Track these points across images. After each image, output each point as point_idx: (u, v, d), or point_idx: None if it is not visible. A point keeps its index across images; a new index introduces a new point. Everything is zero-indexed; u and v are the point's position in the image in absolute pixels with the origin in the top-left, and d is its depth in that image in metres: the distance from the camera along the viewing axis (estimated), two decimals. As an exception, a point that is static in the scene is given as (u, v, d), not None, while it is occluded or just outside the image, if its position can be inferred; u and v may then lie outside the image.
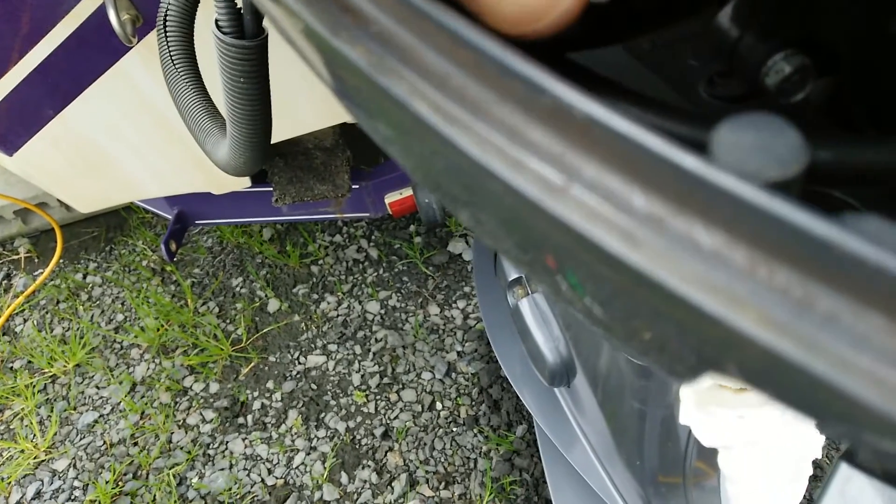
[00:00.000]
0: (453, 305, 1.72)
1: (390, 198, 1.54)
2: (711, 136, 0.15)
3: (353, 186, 1.49)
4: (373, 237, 1.89)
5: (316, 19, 0.19)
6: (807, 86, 0.27)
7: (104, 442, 1.59)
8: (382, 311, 1.74)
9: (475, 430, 1.49)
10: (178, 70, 0.73)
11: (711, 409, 0.57)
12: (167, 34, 0.72)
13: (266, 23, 0.59)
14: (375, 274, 1.82)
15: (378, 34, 0.18)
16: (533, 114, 0.15)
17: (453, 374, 1.59)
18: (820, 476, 1.29)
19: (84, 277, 1.95)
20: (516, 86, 0.16)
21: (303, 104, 1.19)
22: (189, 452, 1.54)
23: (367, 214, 1.61)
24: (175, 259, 1.59)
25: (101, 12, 0.99)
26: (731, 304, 0.13)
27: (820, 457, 0.61)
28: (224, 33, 0.57)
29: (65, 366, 1.74)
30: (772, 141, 0.14)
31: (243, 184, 1.43)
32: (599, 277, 0.17)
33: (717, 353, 0.14)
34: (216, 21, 0.57)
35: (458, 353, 1.63)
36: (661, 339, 0.17)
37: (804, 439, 0.59)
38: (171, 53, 0.72)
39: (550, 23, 0.19)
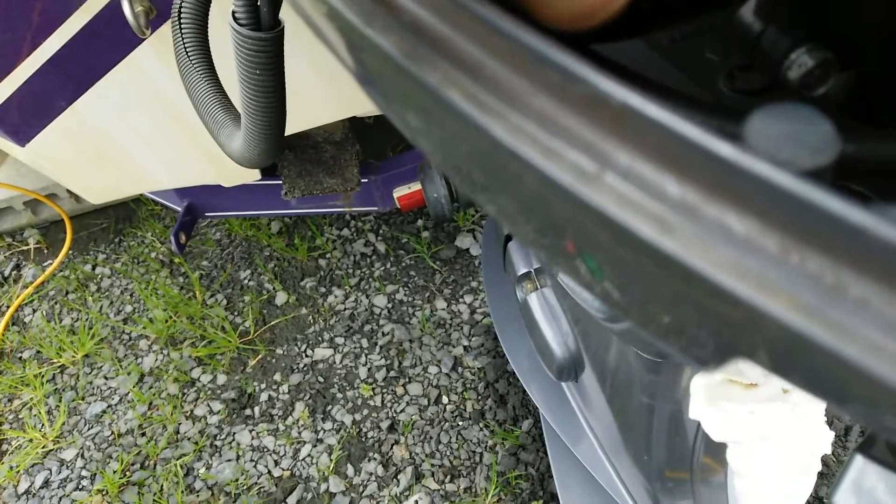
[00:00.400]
0: (460, 300, 1.73)
1: (399, 192, 1.54)
2: (745, 125, 0.15)
3: (362, 180, 1.49)
4: (381, 231, 1.90)
5: (348, 7, 0.19)
6: (829, 80, 0.27)
7: (112, 432, 1.60)
8: (389, 305, 1.74)
9: (481, 425, 1.49)
10: (193, 62, 0.74)
11: (722, 404, 0.57)
12: (182, 26, 0.72)
13: (283, 14, 0.59)
14: (383, 268, 1.82)
15: (411, 23, 0.18)
16: (567, 102, 0.16)
17: (459, 369, 1.60)
18: (826, 473, 1.29)
19: (93, 268, 1.96)
20: (550, 74, 0.16)
21: (313, 98, 1.19)
22: (196, 443, 1.55)
23: (376, 208, 1.61)
24: (184, 251, 1.59)
25: (114, 4, 1.00)
26: (763, 290, 0.13)
27: (828, 452, 0.61)
28: (241, 25, 0.58)
29: (73, 356, 1.75)
30: (804, 130, 0.15)
31: (253, 176, 1.44)
32: (620, 262, 0.17)
33: (748, 339, 0.15)
34: (233, 13, 0.58)
35: (465, 347, 1.63)
36: (680, 323, 0.18)
37: (813, 435, 0.59)
38: (186, 45, 0.73)
39: (603, 18, 0.19)
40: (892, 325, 0.13)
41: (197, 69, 0.74)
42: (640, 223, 0.14)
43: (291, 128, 1.26)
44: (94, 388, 1.69)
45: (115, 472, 1.52)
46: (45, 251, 2.04)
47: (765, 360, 0.15)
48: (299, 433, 1.54)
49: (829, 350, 0.13)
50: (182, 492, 1.47)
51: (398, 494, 1.41)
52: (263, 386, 1.63)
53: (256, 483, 1.47)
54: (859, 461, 0.39)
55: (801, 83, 0.27)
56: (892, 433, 0.14)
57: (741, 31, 0.29)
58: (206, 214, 1.65)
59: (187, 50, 0.73)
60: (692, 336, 0.17)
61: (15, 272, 2.00)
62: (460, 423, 1.51)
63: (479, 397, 1.54)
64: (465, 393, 1.55)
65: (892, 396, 0.13)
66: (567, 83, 0.16)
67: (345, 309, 1.75)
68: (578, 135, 0.15)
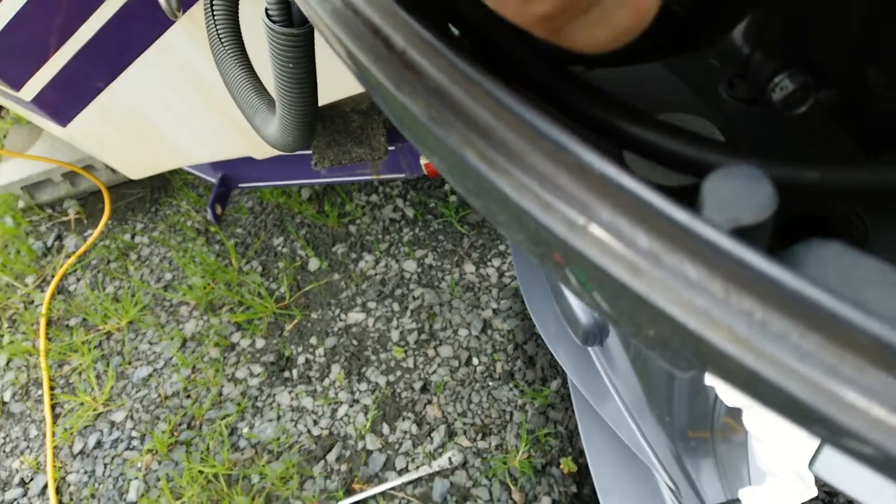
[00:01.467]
0: (488, 264, 1.77)
1: (426, 158, 1.57)
2: (701, 186, 0.19)
3: (390, 148, 1.52)
4: (408, 196, 1.93)
5: (380, 72, 0.23)
6: (808, 101, 0.30)
7: (158, 395, 1.69)
8: (419, 270, 1.79)
9: (511, 385, 1.55)
10: (226, 48, 0.77)
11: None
12: (214, 14, 0.75)
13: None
14: (412, 233, 1.86)
15: (435, 89, 0.21)
16: (560, 166, 0.19)
17: (489, 331, 1.64)
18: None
19: (132, 238, 2.03)
20: (546, 143, 0.19)
21: (340, 70, 1.22)
22: (239, 404, 1.63)
23: (403, 175, 1.64)
24: (220, 221, 1.65)
25: (146, -12, 1.03)
26: (709, 324, 0.17)
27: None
28: (274, 22, 0.61)
29: (118, 323, 1.83)
30: (750, 189, 0.18)
31: (284, 149, 1.47)
32: (604, 284, 0.21)
33: (701, 359, 0.18)
34: (266, 10, 0.61)
35: (494, 310, 1.68)
36: (662, 338, 0.21)
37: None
38: (219, 33, 0.76)
39: (630, 39, 0.22)
40: (804, 354, 0.16)
41: (230, 55, 0.77)
42: (617, 267, 0.18)
43: (320, 100, 1.29)
44: (139, 353, 1.78)
45: (163, 432, 1.61)
46: (85, 221, 2.12)
47: (718, 376, 0.19)
48: (336, 394, 1.60)
49: (756, 373, 0.17)
50: (227, 450, 1.55)
51: (432, 451, 1.48)
52: (300, 349, 1.70)
53: (297, 441, 1.55)
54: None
55: (784, 104, 0.30)
56: (837, 445, 0.17)
57: (734, 51, 0.32)
58: (240, 185, 1.70)
59: (220, 37, 0.76)
60: (675, 349, 0.21)
61: (57, 242, 2.08)
62: (490, 384, 1.56)
63: (509, 358, 1.59)
64: (494, 354, 1.60)
65: (807, 410, 0.16)
66: (559, 151, 0.19)
67: (376, 274, 1.80)
68: (570, 192, 0.19)
